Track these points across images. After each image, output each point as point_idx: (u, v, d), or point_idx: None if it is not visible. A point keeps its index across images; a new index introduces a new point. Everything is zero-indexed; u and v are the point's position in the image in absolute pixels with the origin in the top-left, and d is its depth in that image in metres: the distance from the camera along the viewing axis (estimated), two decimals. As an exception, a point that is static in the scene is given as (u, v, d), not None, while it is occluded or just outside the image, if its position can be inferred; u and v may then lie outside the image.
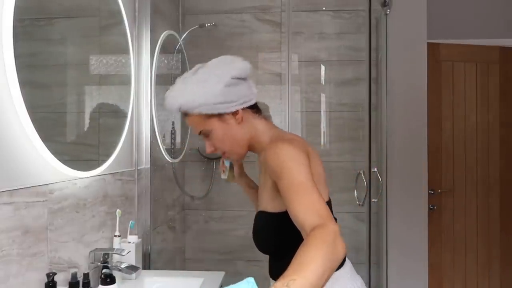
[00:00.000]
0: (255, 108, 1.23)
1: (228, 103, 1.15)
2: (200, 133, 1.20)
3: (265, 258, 1.24)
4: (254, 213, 1.23)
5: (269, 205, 1.14)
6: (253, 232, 1.20)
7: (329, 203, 1.17)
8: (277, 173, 1.00)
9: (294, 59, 2.81)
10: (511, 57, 2.95)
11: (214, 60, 1.20)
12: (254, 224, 1.20)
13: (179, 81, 1.20)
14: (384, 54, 2.43)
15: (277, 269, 1.15)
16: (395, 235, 2.59)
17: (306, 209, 0.89)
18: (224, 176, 1.47)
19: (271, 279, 1.23)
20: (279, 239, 1.13)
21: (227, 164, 1.46)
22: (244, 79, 1.18)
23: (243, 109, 1.18)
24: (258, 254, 1.24)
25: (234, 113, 1.17)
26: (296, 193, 0.93)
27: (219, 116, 1.16)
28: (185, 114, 1.20)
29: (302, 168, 0.97)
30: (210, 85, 1.14)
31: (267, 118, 1.25)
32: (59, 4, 1.34)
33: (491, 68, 2.93)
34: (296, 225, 0.92)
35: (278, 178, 1.00)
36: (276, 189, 1.03)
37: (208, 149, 1.22)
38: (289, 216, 0.94)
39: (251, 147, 1.23)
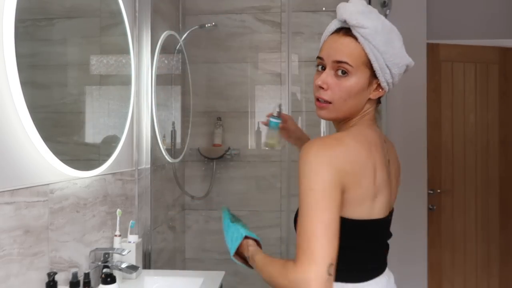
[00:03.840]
0: (379, 102, 1.06)
1: (390, 76, 0.96)
2: (338, 62, 0.94)
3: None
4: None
5: None
6: None
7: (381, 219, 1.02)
8: None
9: (294, 59, 2.81)
10: (510, 57, 2.95)
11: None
12: None
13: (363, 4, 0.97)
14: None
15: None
16: (395, 235, 2.57)
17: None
18: (271, 140, 1.27)
19: None
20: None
21: (275, 125, 1.26)
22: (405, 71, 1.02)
23: (380, 91, 0.99)
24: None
25: (379, 87, 0.98)
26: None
27: (372, 75, 0.96)
28: (345, 33, 0.97)
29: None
30: (396, 42, 0.95)
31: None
32: (60, 4, 1.34)
33: (490, 68, 2.93)
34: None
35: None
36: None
37: (320, 82, 0.96)
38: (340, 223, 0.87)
39: (341, 123, 1.03)
